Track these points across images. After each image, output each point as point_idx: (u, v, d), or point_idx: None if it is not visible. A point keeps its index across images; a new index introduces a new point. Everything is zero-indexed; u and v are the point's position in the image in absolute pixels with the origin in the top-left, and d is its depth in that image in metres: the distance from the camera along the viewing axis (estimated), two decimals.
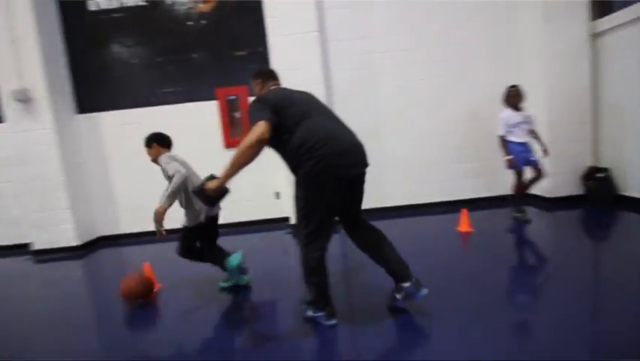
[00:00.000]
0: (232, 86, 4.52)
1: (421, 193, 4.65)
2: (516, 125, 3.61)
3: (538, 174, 3.67)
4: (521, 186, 3.74)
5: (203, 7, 4.47)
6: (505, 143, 3.68)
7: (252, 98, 2.08)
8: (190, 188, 2.55)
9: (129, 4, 4.48)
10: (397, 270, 2.09)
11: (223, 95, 4.53)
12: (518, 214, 3.79)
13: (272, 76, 2.30)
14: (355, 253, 2.30)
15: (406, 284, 2.05)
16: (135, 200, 4.75)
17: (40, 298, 3.22)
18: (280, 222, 4.65)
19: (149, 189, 4.70)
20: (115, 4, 4.48)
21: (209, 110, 4.59)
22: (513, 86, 3.65)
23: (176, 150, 4.62)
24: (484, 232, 3.54)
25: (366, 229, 2.18)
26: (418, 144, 4.58)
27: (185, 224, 2.63)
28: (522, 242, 3.41)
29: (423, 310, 2.14)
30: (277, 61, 4.08)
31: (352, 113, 4.46)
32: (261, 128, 1.83)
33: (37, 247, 4.47)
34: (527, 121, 3.64)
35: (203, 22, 4.52)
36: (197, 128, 4.60)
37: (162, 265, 3.26)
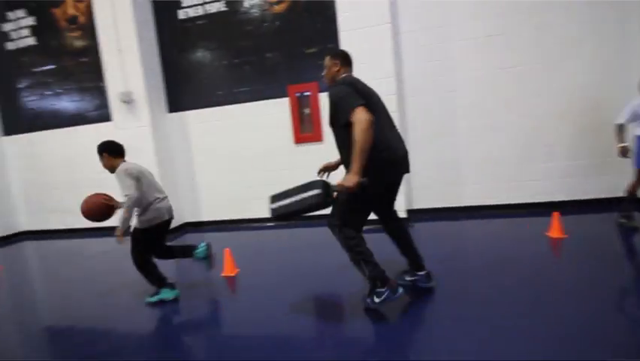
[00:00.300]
0: (303, 83, 4.64)
1: (503, 193, 4.24)
2: None
3: None
4: (635, 188, 3.19)
5: (277, 8, 4.66)
6: (621, 132, 3.15)
7: (323, 87, 2.12)
8: (146, 190, 2.61)
9: (212, 11, 4.87)
10: (416, 259, 2.42)
11: (294, 92, 4.68)
12: (624, 220, 3.26)
13: (349, 62, 2.31)
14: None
15: (421, 273, 2.42)
16: (215, 191, 5.19)
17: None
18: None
19: (228, 180, 5.10)
20: (200, 12, 4.90)
21: (280, 108, 4.77)
22: None
23: (248, 146, 4.95)
24: (579, 238, 3.11)
25: (397, 221, 2.44)
26: (498, 139, 4.18)
27: (137, 226, 2.65)
28: (627, 252, 2.93)
29: (514, 323, 1.97)
30: None
31: (425, 106, 4.31)
32: (364, 114, 1.90)
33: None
34: None
35: (277, 23, 4.71)
36: (268, 125, 4.83)
37: (240, 251, 3.48)
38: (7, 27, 5.81)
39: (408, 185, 4.29)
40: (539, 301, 2.13)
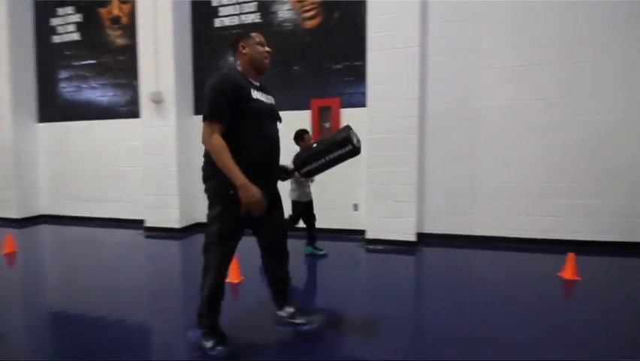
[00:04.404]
0: (326, 98, 4.73)
1: (518, 226, 4.16)
2: None
3: None
4: None
5: (310, 23, 4.80)
6: None
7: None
8: None
9: (247, 22, 5.06)
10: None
11: (317, 105, 4.76)
12: None
13: None
14: None
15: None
16: None
17: (140, 267, 3.77)
18: (355, 234, 4.65)
19: None
20: (236, 22, 5.11)
21: (302, 119, 4.85)
22: None
23: None
24: (594, 282, 2.99)
25: None
26: (520, 170, 4.12)
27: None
28: None
29: None
30: (374, 75, 4.14)
31: (445, 131, 4.30)
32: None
33: (148, 224, 5.26)
34: None
35: (308, 37, 4.84)
36: (289, 135, 4.91)
37: None
38: (55, 22, 6.20)
39: (420, 208, 4.26)
40: (542, 345, 2.05)
